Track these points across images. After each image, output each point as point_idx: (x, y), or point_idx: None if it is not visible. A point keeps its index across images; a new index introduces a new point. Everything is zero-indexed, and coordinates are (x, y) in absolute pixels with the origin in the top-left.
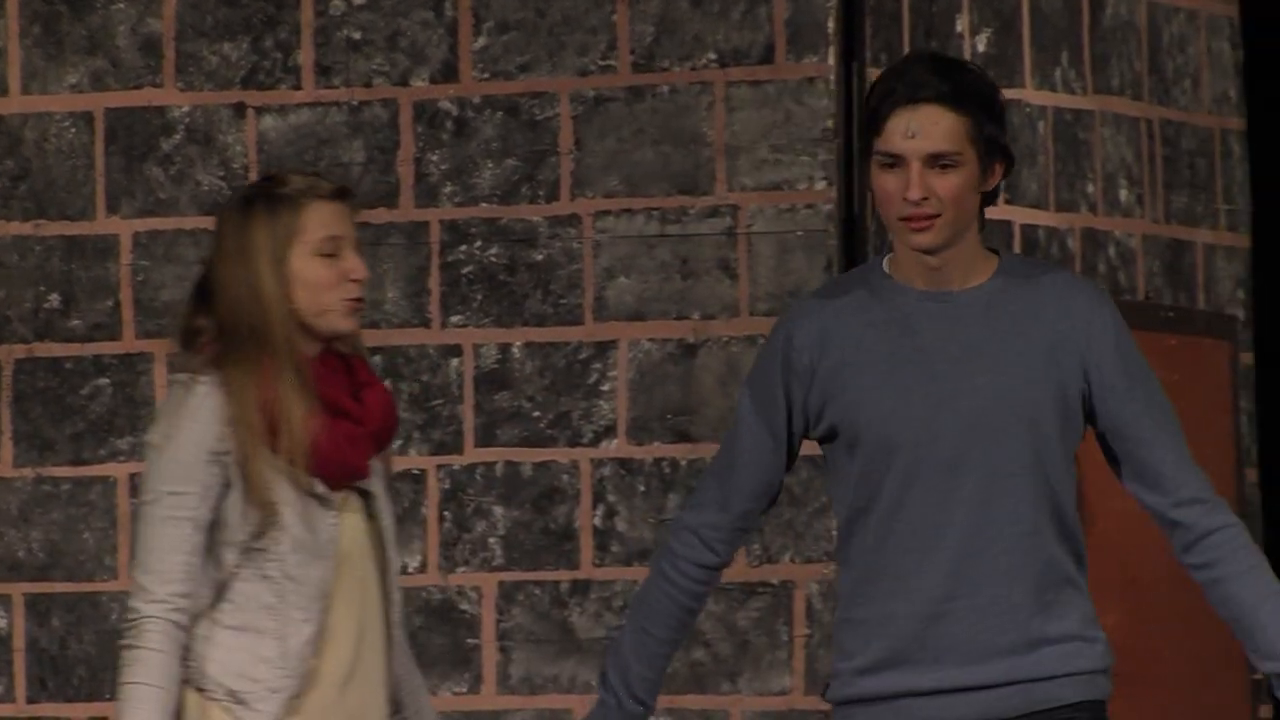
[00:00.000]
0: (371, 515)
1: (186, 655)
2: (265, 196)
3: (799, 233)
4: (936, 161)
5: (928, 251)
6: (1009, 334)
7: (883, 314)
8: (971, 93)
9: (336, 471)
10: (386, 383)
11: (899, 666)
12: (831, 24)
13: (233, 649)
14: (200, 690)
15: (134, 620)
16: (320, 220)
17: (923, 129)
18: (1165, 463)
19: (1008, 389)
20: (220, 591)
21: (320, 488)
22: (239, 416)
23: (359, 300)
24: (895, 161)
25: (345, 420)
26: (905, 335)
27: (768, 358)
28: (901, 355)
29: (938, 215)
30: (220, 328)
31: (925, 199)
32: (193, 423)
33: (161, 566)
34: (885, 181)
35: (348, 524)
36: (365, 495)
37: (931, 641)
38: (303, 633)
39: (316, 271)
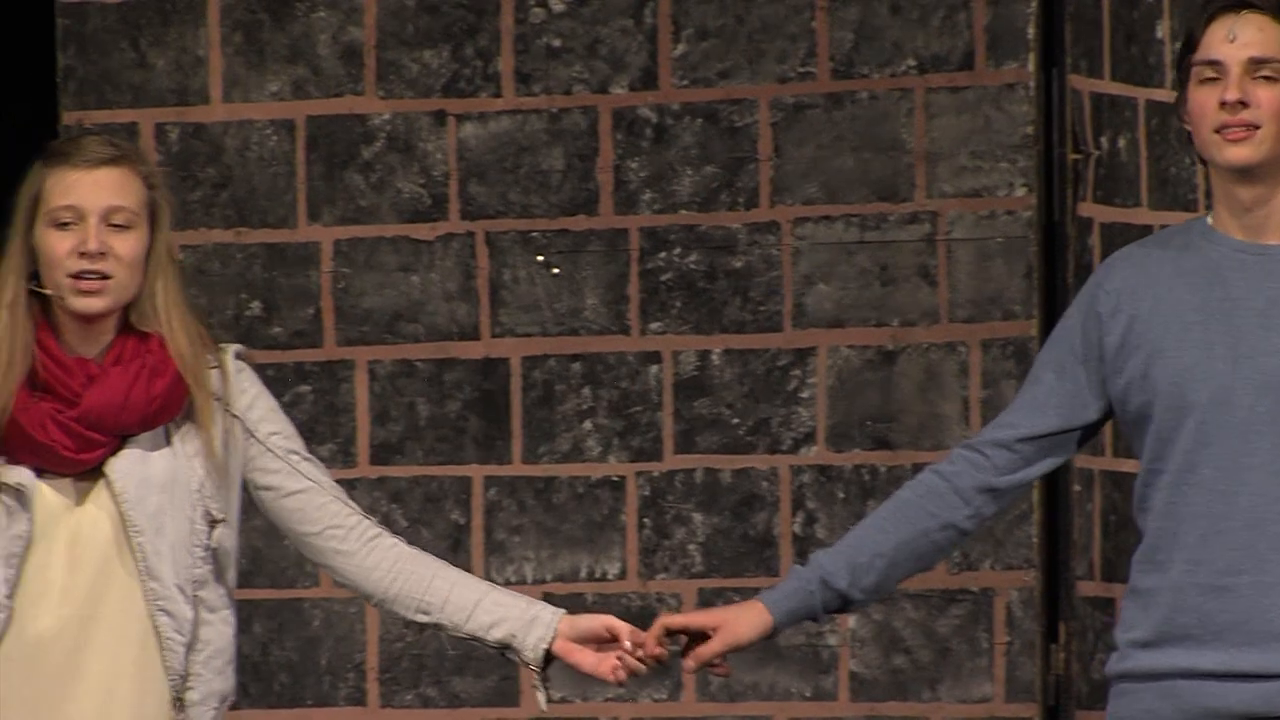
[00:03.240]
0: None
1: None
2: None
3: (999, 239)
4: (1258, 69)
5: (1243, 170)
6: None
7: (1195, 263)
8: None
9: (33, 454)
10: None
11: (1178, 642)
12: (1032, 30)
13: None
14: None
15: None
16: (62, 188)
17: (1245, 33)
18: None
19: None
20: None
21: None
22: None
23: (95, 277)
24: (1213, 73)
25: (51, 399)
26: (1214, 286)
27: (1075, 306)
28: (1209, 307)
29: (1257, 127)
30: None
31: (1244, 104)
32: None
33: None
34: (1200, 95)
35: (85, 516)
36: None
37: (1211, 617)
38: None
39: (48, 244)
